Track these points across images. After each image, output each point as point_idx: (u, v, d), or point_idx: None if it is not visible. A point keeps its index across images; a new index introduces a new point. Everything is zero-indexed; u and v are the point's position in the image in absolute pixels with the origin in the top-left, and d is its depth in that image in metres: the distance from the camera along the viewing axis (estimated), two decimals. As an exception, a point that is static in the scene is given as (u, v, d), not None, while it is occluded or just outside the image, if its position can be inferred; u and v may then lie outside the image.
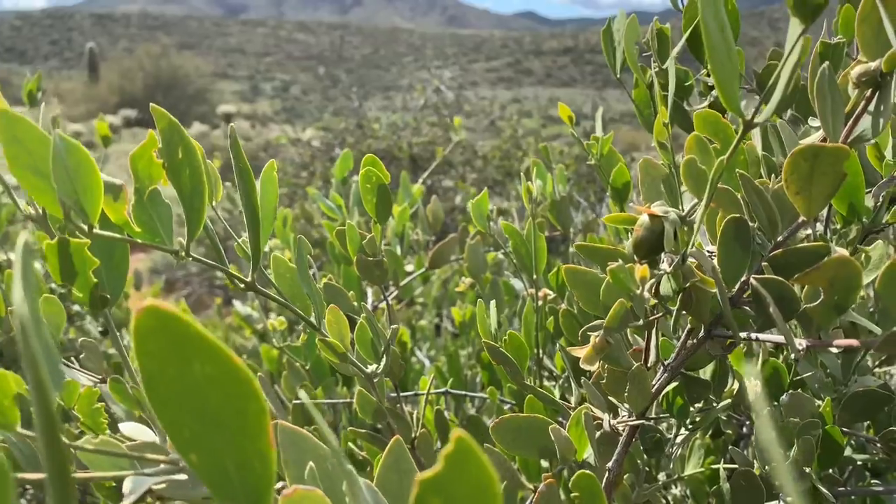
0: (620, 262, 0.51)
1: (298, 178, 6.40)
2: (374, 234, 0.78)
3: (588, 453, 0.58)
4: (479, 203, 1.01)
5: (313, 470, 0.41)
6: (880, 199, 0.69)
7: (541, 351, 0.95)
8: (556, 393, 0.96)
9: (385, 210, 0.77)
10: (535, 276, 0.94)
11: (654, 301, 0.52)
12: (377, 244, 0.78)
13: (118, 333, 1.43)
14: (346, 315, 0.78)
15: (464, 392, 1.03)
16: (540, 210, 1.59)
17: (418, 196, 1.72)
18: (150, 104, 0.45)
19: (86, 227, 0.40)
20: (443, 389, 1.00)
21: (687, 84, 0.90)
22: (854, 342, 0.46)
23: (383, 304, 1.62)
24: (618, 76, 0.98)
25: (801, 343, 0.48)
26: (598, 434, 0.63)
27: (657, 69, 0.92)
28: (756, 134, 0.65)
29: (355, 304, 0.81)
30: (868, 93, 0.51)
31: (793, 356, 0.64)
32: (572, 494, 0.47)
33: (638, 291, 0.49)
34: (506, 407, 1.08)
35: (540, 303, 0.96)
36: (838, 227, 0.78)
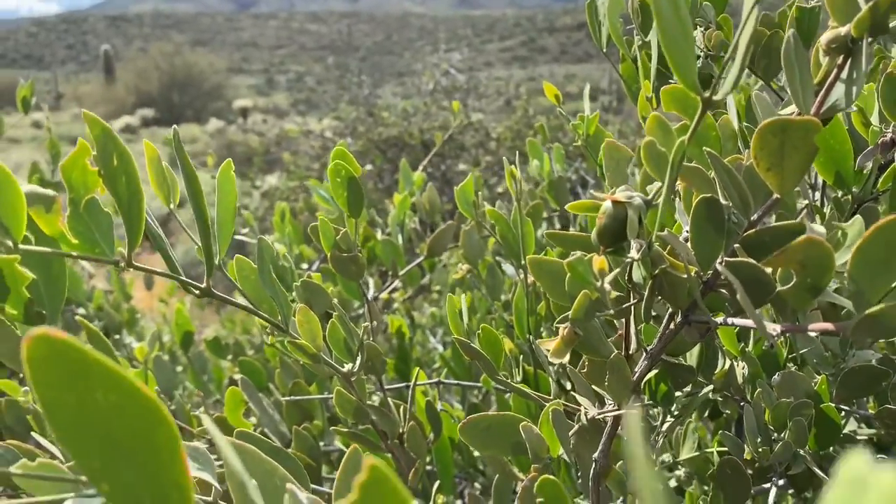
0: (580, 253, 0.48)
1: (310, 171, 6.40)
2: (348, 228, 0.77)
3: (562, 450, 0.56)
4: (463, 189, 0.99)
5: (257, 490, 0.39)
6: (868, 168, 0.65)
7: (532, 336, 0.93)
8: (552, 379, 0.94)
9: (357, 204, 0.75)
10: (522, 262, 0.92)
11: (613, 293, 0.50)
12: (352, 239, 0.77)
13: (117, 336, 1.42)
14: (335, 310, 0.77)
15: (456, 382, 1.01)
16: (539, 190, 1.56)
17: (419, 183, 1.70)
18: (83, 111, 0.44)
19: (10, 244, 0.39)
20: (435, 380, 0.98)
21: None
22: (829, 326, 0.44)
23: (384, 295, 1.61)
24: (604, 50, 0.95)
25: (774, 328, 0.45)
26: (579, 425, 0.61)
27: (641, 42, 0.89)
28: (731, 106, 0.62)
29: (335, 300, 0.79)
30: (840, 60, 0.48)
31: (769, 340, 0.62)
32: (538, 500, 0.46)
33: (598, 284, 0.47)
34: (506, 396, 1.06)
35: (530, 288, 0.94)
36: (839, 194, 0.75)
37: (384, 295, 1.57)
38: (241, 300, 0.62)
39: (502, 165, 5.71)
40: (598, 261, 0.47)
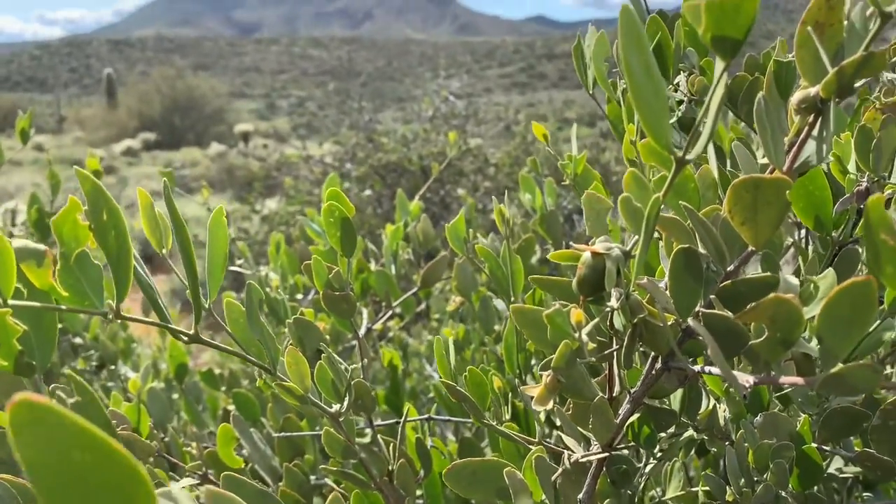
0: (559, 304, 0.50)
1: (311, 195, 6.43)
2: (340, 267, 0.78)
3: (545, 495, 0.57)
4: (454, 226, 1.01)
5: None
6: (846, 213, 0.67)
7: (522, 373, 0.94)
8: (538, 421, 0.94)
9: (350, 243, 0.77)
10: (512, 298, 0.93)
11: (591, 344, 0.51)
12: (343, 278, 0.78)
13: (113, 367, 1.42)
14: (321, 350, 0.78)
15: (446, 418, 1.02)
16: (531, 223, 1.58)
17: (416, 213, 1.71)
18: (75, 168, 0.45)
19: (0, 300, 0.40)
20: (425, 416, 0.99)
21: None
22: (799, 380, 0.45)
23: (378, 326, 1.62)
24: (590, 92, 0.97)
25: (746, 381, 0.46)
26: (563, 468, 0.62)
27: (625, 85, 0.91)
28: (711, 155, 0.64)
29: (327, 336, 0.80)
30: (811, 118, 0.50)
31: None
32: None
33: (576, 335, 0.48)
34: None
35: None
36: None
37: (378, 325, 1.58)
38: (230, 343, 0.63)
39: (501, 191, 5.72)
40: (576, 313, 0.48)
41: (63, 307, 0.44)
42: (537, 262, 1.59)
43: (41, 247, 0.44)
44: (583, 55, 0.97)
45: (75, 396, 0.50)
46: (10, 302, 0.41)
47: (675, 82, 0.87)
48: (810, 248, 0.83)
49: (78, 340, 1.68)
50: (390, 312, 1.50)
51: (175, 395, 1.59)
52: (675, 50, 0.85)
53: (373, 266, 1.55)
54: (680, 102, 0.87)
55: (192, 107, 32.30)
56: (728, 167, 0.80)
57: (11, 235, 2.01)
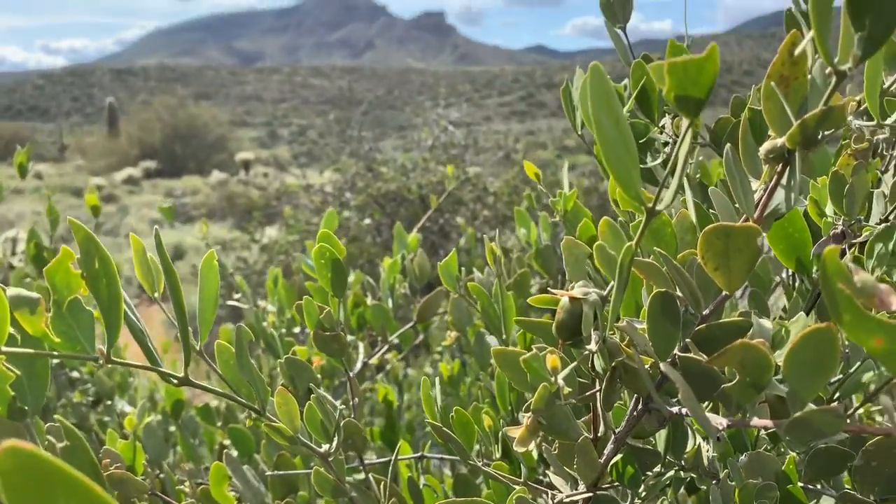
0: (535, 350, 0.51)
1: (310, 224, 6.46)
2: (331, 308, 0.79)
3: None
4: (447, 264, 1.02)
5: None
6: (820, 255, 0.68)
7: (514, 410, 0.95)
8: (535, 455, 0.95)
9: (340, 284, 0.78)
10: (503, 336, 0.95)
11: (566, 389, 0.52)
12: (334, 318, 0.79)
13: (109, 402, 1.43)
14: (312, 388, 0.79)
15: (440, 455, 1.03)
16: (526, 258, 1.59)
17: (414, 245, 1.73)
18: (68, 217, 0.47)
19: (-6, 348, 0.42)
20: (418, 454, 1.00)
21: (643, 140, 0.91)
22: (768, 423, 0.46)
23: (375, 360, 1.63)
24: (579, 133, 0.99)
25: (719, 423, 0.47)
26: (548, 508, 0.63)
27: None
28: (689, 199, 0.65)
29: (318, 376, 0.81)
30: (779, 168, 0.51)
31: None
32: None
33: (552, 379, 0.50)
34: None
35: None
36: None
37: (374, 360, 1.59)
38: (218, 385, 0.64)
39: (500, 220, 5.69)
40: (551, 359, 0.49)
41: (55, 353, 0.46)
42: (537, 290, 1.60)
43: (35, 295, 0.45)
44: (570, 97, 0.99)
45: (64, 440, 0.51)
46: (4, 349, 0.43)
47: (660, 124, 0.90)
48: (797, 284, 0.85)
49: (75, 374, 1.69)
50: (387, 346, 1.51)
51: (172, 428, 1.59)
52: (658, 94, 0.88)
53: (370, 300, 1.56)
54: (665, 144, 0.89)
55: (194, 135, 32.52)
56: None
57: (11, 267, 2.03)
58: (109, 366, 1.71)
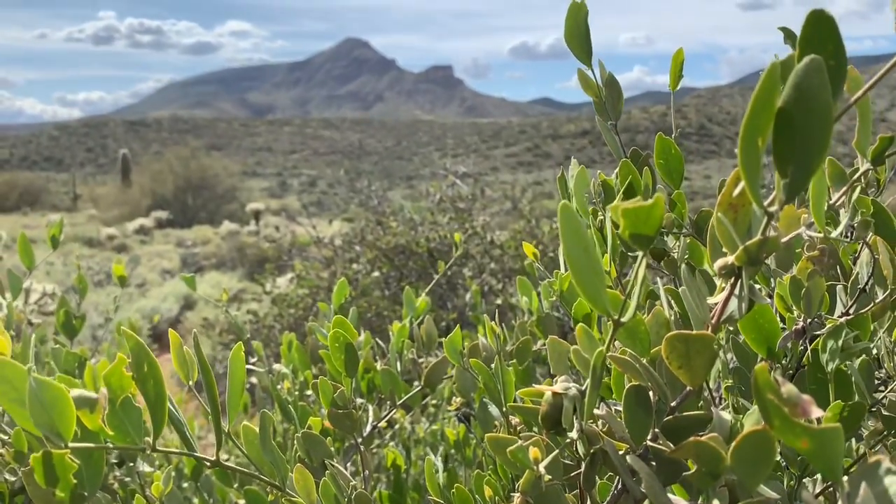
0: (518, 442, 0.59)
1: (321, 280, 6.56)
2: (344, 387, 0.87)
3: None
4: (451, 340, 1.10)
5: None
6: (788, 346, 0.76)
7: (514, 480, 1.02)
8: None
9: (353, 365, 0.86)
10: (503, 409, 1.02)
11: (547, 477, 0.59)
12: (346, 397, 0.87)
13: (132, 464, 1.48)
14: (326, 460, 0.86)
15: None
16: (528, 325, 1.67)
17: (423, 308, 1.80)
18: (122, 328, 0.55)
19: (62, 445, 0.50)
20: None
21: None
22: (723, 508, 0.53)
23: (383, 423, 1.69)
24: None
25: (681, 506, 0.55)
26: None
27: (602, 217, 1.02)
28: (663, 295, 0.73)
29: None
30: (732, 280, 0.59)
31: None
32: None
33: (534, 468, 0.57)
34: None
35: (513, 431, 1.03)
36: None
37: (383, 423, 1.65)
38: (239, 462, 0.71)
39: (506, 273, 5.72)
40: (533, 451, 0.57)
41: (110, 445, 0.54)
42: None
43: (94, 395, 0.53)
44: (566, 185, 1.08)
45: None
46: (70, 444, 0.50)
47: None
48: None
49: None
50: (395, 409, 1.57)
51: (184, 484, 1.65)
52: (644, 188, 0.96)
53: (379, 365, 1.64)
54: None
55: (205, 186, 32.90)
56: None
57: (30, 322, 2.12)
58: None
